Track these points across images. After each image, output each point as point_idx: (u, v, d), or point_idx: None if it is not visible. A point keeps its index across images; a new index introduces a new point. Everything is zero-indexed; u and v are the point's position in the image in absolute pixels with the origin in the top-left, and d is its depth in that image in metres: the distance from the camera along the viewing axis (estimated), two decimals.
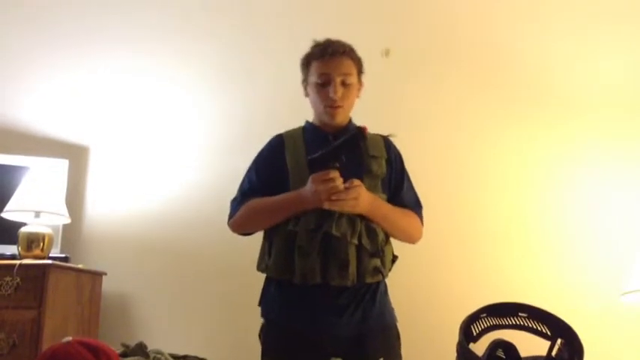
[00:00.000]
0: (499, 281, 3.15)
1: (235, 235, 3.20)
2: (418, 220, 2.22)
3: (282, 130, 2.94)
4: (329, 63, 2.11)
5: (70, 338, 1.21)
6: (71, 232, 3.24)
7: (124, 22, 3.48)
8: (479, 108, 3.34)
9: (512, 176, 3.27)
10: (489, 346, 1.59)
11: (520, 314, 1.76)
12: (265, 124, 3.32)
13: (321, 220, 1.98)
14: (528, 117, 3.32)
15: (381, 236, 2.07)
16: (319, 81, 2.11)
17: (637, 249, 2.84)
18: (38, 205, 2.92)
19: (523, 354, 1.66)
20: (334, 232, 1.97)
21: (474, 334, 1.70)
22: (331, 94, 2.08)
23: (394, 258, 2.16)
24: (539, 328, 1.75)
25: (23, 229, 2.89)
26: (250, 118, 3.37)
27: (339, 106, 2.10)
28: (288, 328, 2.07)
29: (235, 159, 3.30)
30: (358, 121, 2.21)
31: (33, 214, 2.93)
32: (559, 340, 1.70)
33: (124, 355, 1.46)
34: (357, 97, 2.21)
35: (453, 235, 3.19)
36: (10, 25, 3.48)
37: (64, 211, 3.01)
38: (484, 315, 1.73)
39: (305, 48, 3.34)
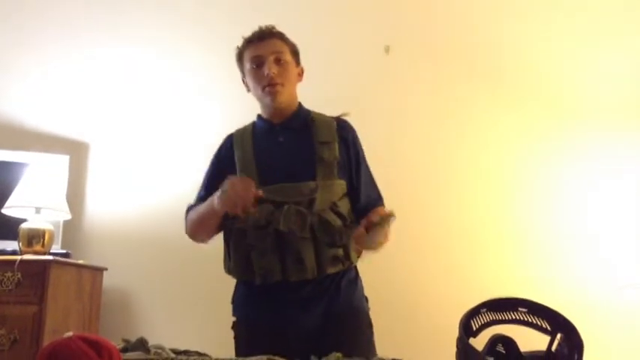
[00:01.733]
0: (498, 276, 3.16)
1: None
2: None
3: None
4: (259, 46, 2.07)
5: (70, 333, 1.21)
6: (72, 228, 3.24)
7: (127, 18, 3.48)
8: (475, 107, 3.36)
9: (509, 170, 3.28)
10: (489, 340, 1.59)
11: (520, 309, 1.76)
12: None
13: (271, 216, 1.94)
14: (523, 112, 3.34)
15: (337, 225, 1.98)
16: (253, 65, 2.07)
17: (635, 243, 2.85)
18: (39, 201, 2.92)
19: (523, 349, 1.66)
20: (282, 227, 1.93)
21: (474, 328, 1.70)
22: (266, 71, 2.03)
23: None
24: (538, 323, 1.74)
25: (24, 225, 2.89)
26: (254, 115, 3.37)
27: (277, 84, 2.04)
28: (255, 326, 2.04)
29: None
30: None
31: (34, 210, 2.94)
32: (559, 335, 1.70)
33: (124, 350, 1.47)
34: (299, 81, 2.16)
35: (452, 229, 3.19)
36: (8, 20, 3.47)
37: (65, 207, 3.01)
38: (484, 310, 1.73)
39: (311, 45, 3.38)
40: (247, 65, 2.09)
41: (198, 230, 2.14)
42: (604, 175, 3.24)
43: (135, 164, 3.37)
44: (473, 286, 3.12)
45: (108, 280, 3.13)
